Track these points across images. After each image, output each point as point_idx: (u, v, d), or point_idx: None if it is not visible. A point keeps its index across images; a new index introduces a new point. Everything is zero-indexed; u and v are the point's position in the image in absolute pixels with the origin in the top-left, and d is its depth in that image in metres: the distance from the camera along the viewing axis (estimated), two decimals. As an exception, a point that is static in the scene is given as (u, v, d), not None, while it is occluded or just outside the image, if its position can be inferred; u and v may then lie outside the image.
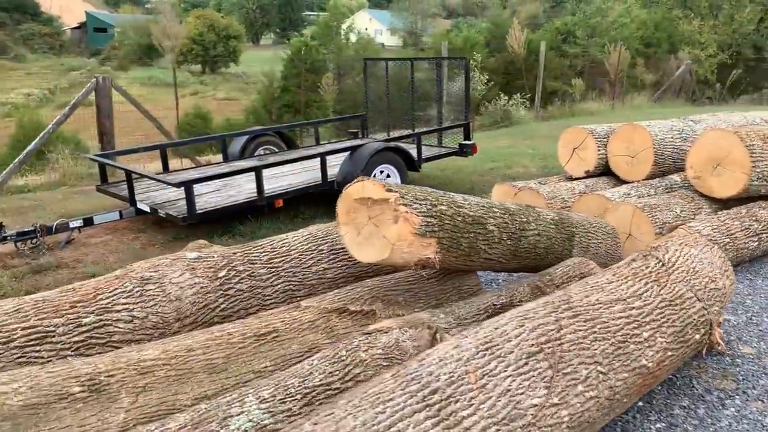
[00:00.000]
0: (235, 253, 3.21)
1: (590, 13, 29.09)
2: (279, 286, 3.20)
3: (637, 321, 2.65)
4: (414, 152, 6.26)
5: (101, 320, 2.69)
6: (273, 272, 3.21)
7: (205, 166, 6.74)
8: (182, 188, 4.82)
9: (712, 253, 3.37)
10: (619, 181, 5.74)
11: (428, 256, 2.80)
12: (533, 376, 2.18)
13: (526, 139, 11.05)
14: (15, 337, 2.52)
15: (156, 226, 5.65)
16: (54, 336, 2.59)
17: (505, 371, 2.14)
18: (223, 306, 3.01)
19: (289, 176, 6.02)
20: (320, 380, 2.37)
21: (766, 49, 26.92)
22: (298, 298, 3.25)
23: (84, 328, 2.65)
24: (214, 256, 3.14)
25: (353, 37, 23.94)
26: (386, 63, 7.66)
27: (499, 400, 2.04)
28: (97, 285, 2.82)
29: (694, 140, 5.70)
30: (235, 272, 3.10)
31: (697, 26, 27.01)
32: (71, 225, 5.10)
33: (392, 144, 6.04)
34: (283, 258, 3.28)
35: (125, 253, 4.95)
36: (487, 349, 2.22)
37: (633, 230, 4.65)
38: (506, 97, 13.53)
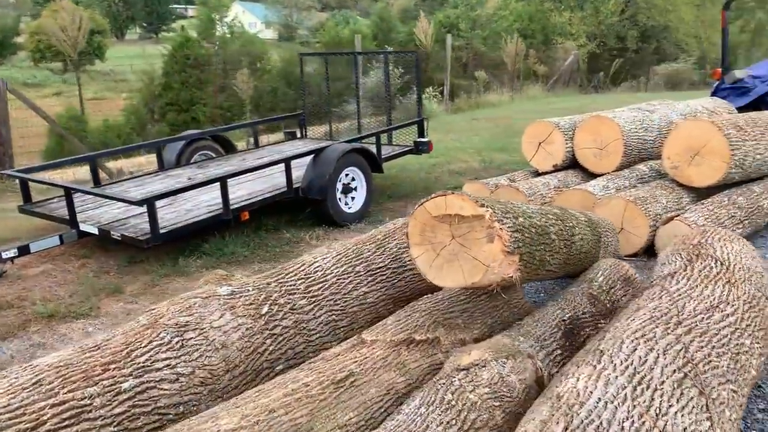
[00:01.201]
0: (269, 284, 2.77)
1: (473, 3, 29.82)
2: (322, 317, 2.80)
3: (738, 328, 2.52)
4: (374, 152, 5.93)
5: (142, 383, 2.19)
6: (314, 302, 2.80)
7: (140, 176, 6.04)
8: (144, 206, 4.22)
9: (747, 246, 3.34)
10: (588, 174, 5.73)
11: (510, 275, 2.52)
12: (693, 407, 1.97)
13: (448, 133, 11.01)
14: (45, 418, 1.98)
15: (101, 249, 4.96)
16: (91, 410, 2.06)
17: (670, 406, 1.91)
18: (271, 348, 2.57)
19: (246, 185, 5.51)
20: (441, 433, 2.04)
21: (628, 39, 28.78)
22: (342, 329, 2.87)
23: (124, 396, 2.14)
24: (249, 290, 2.68)
25: (236, 30, 23.02)
26: (325, 58, 7.25)
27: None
28: (125, 339, 2.30)
29: (655, 130, 5.81)
30: (277, 306, 2.67)
31: (568, 18, 28.43)
32: (4, 255, 4.34)
33: (357, 145, 5.68)
34: (320, 285, 2.87)
35: (78, 285, 4.27)
36: (638, 383, 1.98)
37: (625, 224, 4.61)
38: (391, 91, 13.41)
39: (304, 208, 5.58)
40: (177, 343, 2.33)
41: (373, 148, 5.92)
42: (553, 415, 1.85)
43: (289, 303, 2.72)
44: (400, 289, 3.15)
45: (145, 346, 2.28)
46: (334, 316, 2.84)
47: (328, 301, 2.85)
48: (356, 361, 2.43)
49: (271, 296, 2.69)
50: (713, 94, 7.93)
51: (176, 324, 2.39)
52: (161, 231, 4.33)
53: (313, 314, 2.77)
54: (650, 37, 28.55)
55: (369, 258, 3.10)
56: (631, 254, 4.63)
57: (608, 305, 3.12)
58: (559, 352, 2.70)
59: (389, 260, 3.15)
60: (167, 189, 4.65)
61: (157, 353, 2.28)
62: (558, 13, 28.92)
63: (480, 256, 2.34)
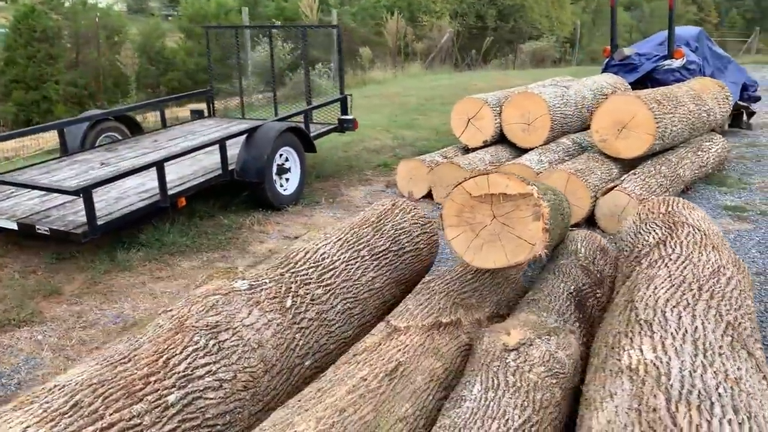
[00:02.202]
0: (282, 275, 2.58)
1: (339, -21, 29.58)
2: (338, 306, 2.66)
3: (741, 290, 2.69)
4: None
5: (188, 394, 1.97)
6: (329, 291, 2.65)
7: (40, 163, 5.38)
8: (80, 196, 3.78)
9: (703, 213, 3.59)
10: (516, 149, 5.90)
11: (539, 253, 2.53)
12: (751, 368, 2.08)
13: (346, 110, 10.87)
14: (98, 445, 1.71)
15: (16, 246, 4.39)
16: (142, 430, 1.82)
17: (738, 368, 2.00)
18: (300, 343, 2.41)
19: (173, 168, 5.09)
20: (520, 417, 2.01)
21: (487, 18, 29.95)
22: (356, 317, 2.75)
23: (172, 411, 1.91)
24: (266, 282, 2.48)
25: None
26: (235, 31, 6.85)
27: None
28: (156, 347, 2.05)
29: (572, 105, 6.08)
30: (300, 298, 2.50)
31: (432, -5, 29.07)
32: None
33: (293, 124, 5.44)
34: (331, 272, 2.73)
35: (4, 288, 3.75)
36: (704, 349, 2.05)
37: (568, 196, 4.78)
38: (309, 67, 13.17)
39: (236, 192, 5.28)
40: (213, 346, 2.11)
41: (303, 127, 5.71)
42: (642, 388, 1.88)
43: (308, 294, 2.55)
44: (401, 271, 3.07)
45: (181, 353, 2.04)
46: (348, 304, 2.71)
47: (341, 289, 2.71)
48: (400, 350, 2.34)
49: (290, 288, 2.51)
50: (603, 70, 8.43)
51: (207, 325, 2.16)
52: (99, 223, 3.91)
53: (331, 304, 2.62)
54: (508, 15, 29.86)
55: (370, 242, 2.98)
56: (573, 224, 4.84)
57: (597, 275, 3.24)
58: (577, 324, 2.75)
59: (389, 243, 3.05)
60: (97, 176, 4.20)
61: (195, 359, 2.05)
62: (423, -10, 29.47)
63: (525, 234, 2.32)
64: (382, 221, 3.14)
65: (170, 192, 4.45)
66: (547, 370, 2.24)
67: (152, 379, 1.93)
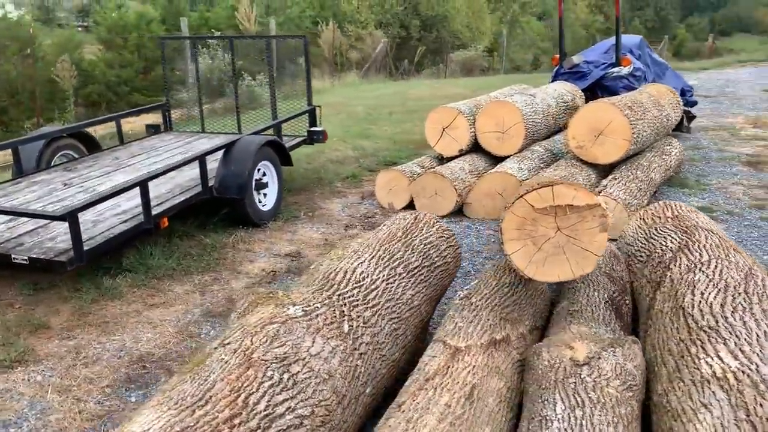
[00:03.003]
0: (330, 298, 2.45)
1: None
2: (386, 327, 2.55)
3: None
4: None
5: (273, 435, 1.81)
6: (376, 313, 2.54)
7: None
8: (65, 221, 3.49)
9: (702, 215, 3.68)
10: (491, 157, 5.92)
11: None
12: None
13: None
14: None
15: (-18, 277, 4.02)
16: (239, 480, 1.65)
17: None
18: (362, 370, 2.29)
19: (150, 187, 4.80)
20: (616, 433, 1.96)
21: (411, 28, 30.34)
22: (400, 338, 2.65)
23: (262, 455, 1.75)
24: (318, 307, 2.34)
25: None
26: (193, 43, 6.58)
27: None
28: (229, 385, 1.88)
29: (540, 112, 6.17)
30: (353, 322, 2.37)
31: (356, 5, 29.18)
32: None
33: (271, 138, 5.25)
34: (375, 292, 2.61)
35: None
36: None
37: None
38: (250, 77, 12.90)
39: (212, 210, 5.05)
40: (288, 380, 1.96)
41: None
42: (742, 398, 1.87)
43: (359, 316, 2.43)
44: (434, 287, 2.99)
45: (258, 390, 1.88)
46: (394, 325, 2.60)
47: (386, 309, 2.60)
48: (469, 372, 2.26)
49: (342, 311, 2.38)
50: (554, 78, 8.63)
51: (275, 358, 2.01)
52: (86, 249, 3.62)
53: (380, 326, 2.51)
54: (431, 26, 30.34)
55: (403, 258, 2.88)
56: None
57: (621, 282, 3.25)
58: (621, 333, 2.75)
59: (421, 258, 2.96)
60: (82, 199, 3.91)
61: (273, 396, 1.90)
62: (347, 1, 29.51)
63: (592, 246, 2.28)
64: (409, 236, 3.05)
65: (153, 213, 4.19)
66: (622, 383, 2.21)
67: (236, 421, 1.77)
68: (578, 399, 2.09)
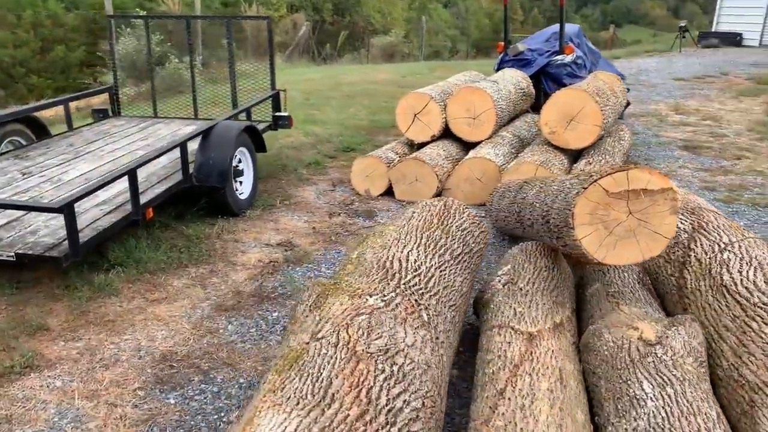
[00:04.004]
0: (398, 287, 2.39)
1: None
2: (447, 314, 2.52)
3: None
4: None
5: (400, 430, 1.75)
6: (439, 300, 2.51)
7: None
8: (62, 213, 3.22)
9: (695, 196, 3.88)
10: (462, 143, 5.97)
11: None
12: None
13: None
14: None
15: (-49, 276, 3.64)
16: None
17: None
18: (445, 358, 2.25)
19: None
20: (712, 410, 2.04)
21: (324, 11, 30.09)
22: (456, 324, 2.63)
23: (397, 451, 1.69)
24: (393, 296, 2.28)
25: None
26: (146, 21, 6.20)
27: None
28: (348, 381, 1.80)
29: (505, 99, 6.28)
30: (428, 311, 2.33)
31: (268, -13, 28.57)
32: None
33: (248, 123, 5.04)
34: (432, 280, 2.58)
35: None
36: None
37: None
38: (177, 60, 12.32)
39: (189, 199, 4.80)
40: (398, 372, 1.90)
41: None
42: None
43: (429, 305, 2.39)
44: (474, 273, 2.98)
45: (375, 384, 1.81)
46: (453, 312, 2.58)
47: (444, 297, 2.57)
48: (551, 356, 2.28)
49: (415, 300, 2.33)
50: (499, 66, 8.78)
51: (380, 350, 1.94)
52: (81, 242, 3.36)
53: (444, 314, 2.48)
54: (344, 10, 30.20)
55: (446, 245, 2.86)
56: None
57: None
58: (662, 312, 2.85)
59: (461, 245, 2.95)
60: (79, 189, 3.62)
61: (390, 390, 1.83)
62: (257, -17, 28.83)
63: (662, 229, 2.34)
64: (444, 223, 3.02)
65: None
66: (695, 360, 2.29)
67: (367, 418, 1.70)
68: (664, 377, 2.15)
